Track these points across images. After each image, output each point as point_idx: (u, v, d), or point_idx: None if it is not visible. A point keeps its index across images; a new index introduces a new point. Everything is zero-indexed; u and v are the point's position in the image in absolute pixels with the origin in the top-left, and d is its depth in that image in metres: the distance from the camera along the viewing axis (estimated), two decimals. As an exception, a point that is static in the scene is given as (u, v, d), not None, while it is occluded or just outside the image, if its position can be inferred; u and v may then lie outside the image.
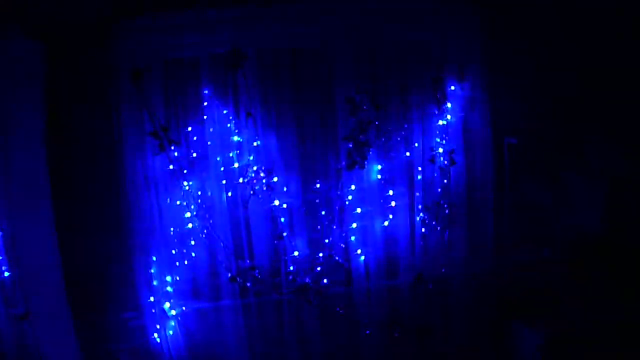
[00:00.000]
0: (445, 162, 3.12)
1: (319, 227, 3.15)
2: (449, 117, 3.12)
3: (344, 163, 3.04)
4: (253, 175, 2.99)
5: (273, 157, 3.05)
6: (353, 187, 3.10)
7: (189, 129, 3.03)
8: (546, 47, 3.18)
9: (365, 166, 3.03)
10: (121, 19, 2.84)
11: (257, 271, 3.09)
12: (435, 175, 3.15)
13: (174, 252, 3.06)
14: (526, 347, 3.06)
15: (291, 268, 3.10)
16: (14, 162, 2.66)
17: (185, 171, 3.00)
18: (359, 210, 3.11)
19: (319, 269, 3.12)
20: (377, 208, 3.15)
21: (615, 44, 3.10)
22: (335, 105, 3.04)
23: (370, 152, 3.03)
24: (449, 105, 3.12)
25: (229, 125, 3.01)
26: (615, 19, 3.06)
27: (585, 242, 3.24)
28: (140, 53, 2.87)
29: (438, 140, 3.13)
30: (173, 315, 3.07)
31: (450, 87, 3.11)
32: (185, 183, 3.00)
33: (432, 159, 3.13)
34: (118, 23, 2.84)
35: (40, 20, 2.77)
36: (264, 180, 3.01)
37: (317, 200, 3.14)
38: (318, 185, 3.14)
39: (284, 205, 3.06)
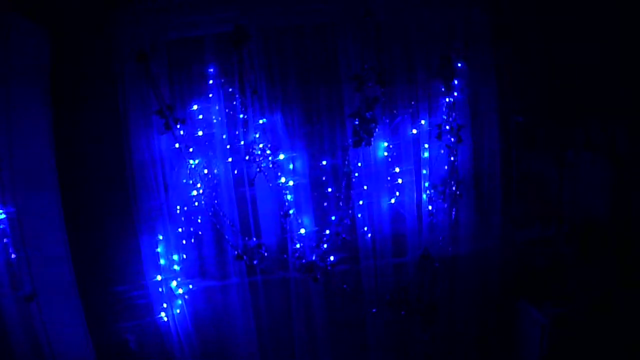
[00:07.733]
0: (452, 140, 3.09)
1: (325, 204, 3.15)
2: (455, 94, 3.09)
3: (350, 140, 3.02)
4: (259, 152, 2.98)
5: (279, 134, 3.04)
6: (360, 164, 3.08)
7: (195, 107, 3.01)
8: (554, 24, 3.13)
9: (372, 143, 3.01)
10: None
11: (263, 249, 3.09)
12: (442, 152, 3.12)
13: (180, 230, 3.06)
14: (531, 327, 3.05)
15: (298, 245, 3.09)
16: (19, 143, 2.65)
17: (191, 149, 2.99)
18: (365, 187, 3.10)
19: (325, 246, 3.11)
20: (384, 185, 3.13)
21: (623, 20, 3.06)
22: (341, 82, 3.02)
23: (377, 129, 3.01)
24: (455, 82, 3.08)
25: (234, 103, 2.99)
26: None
27: (592, 222, 3.22)
28: (144, 33, 2.85)
29: (445, 117, 3.10)
30: (180, 294, 3.08)
31: (457, 64, 3.07)
32: (191, 161, 2.99)
33: (439, 137, 3.09)
34: (122, 3, 2.82)
35: (44, 4, 2.76)
36: (270, 158, 3.00)
37: (324, 178, 3.13)
38: (324, 163, 3.13)
39: (290, 183, 3.05)
